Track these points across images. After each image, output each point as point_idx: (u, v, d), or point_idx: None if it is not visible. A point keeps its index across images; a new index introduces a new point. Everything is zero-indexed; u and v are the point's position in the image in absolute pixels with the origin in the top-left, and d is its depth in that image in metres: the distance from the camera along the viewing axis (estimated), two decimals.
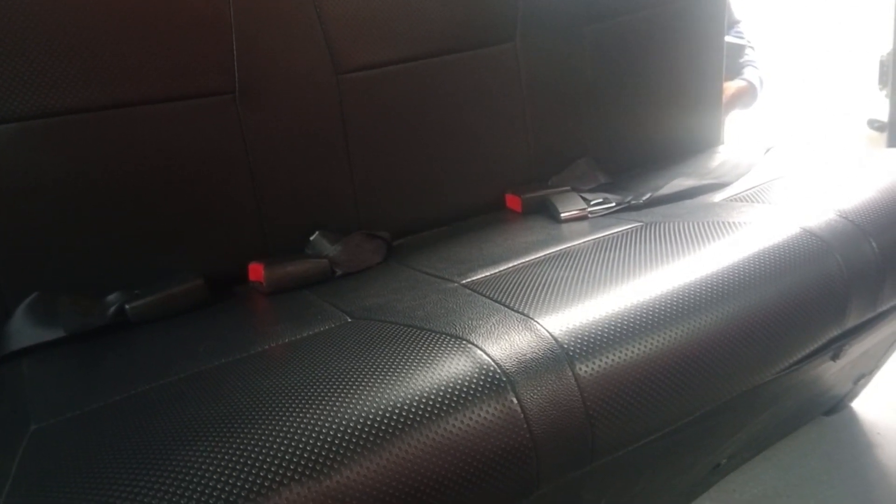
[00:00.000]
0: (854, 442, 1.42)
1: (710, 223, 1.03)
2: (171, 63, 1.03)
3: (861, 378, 1.40)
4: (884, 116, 2.31)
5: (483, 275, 0.98)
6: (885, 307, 1.01)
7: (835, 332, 0.95)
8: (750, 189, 1.22)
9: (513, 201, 1.34)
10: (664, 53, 1.51)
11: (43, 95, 0.96)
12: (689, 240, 0.98)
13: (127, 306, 0.97)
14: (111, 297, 1.00)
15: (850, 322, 0.97)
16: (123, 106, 1.01)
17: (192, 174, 1.07)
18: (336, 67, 1.16)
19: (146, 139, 1.03)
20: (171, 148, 1.05)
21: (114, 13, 0.99)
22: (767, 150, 1.47)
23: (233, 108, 1.08)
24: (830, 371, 1.14)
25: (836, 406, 1.48)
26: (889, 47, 2.23)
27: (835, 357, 1.00)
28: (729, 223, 1.02)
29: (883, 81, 2.24)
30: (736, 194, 1.21)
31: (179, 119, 1.05)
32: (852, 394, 1.48)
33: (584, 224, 1.19)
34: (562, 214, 1.23)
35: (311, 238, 1.17)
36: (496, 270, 0.99)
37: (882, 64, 2.21)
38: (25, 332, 0.94)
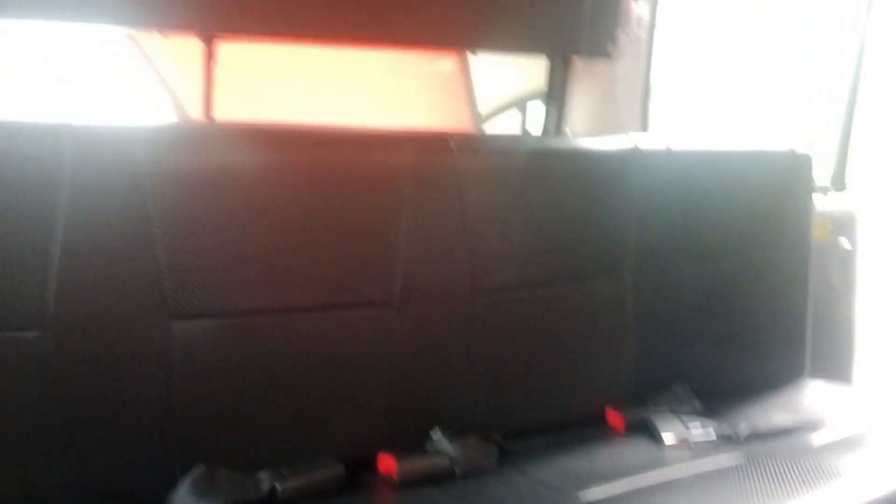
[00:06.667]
0: None
1: (815, 468, 1.11)
2: (343, 276, 1.22)
3: None
4: None
5: (598, 496, 1.06)
6: None
7: None
8: (848, 436, 1.30)
9: (614, 417, 1.44)
10: (754, 293, 1.66)
11: (238, 297, 1.14)
12: (797, 484, 1.05)
13: (278, 487, 1.09)
14: (262, 474, 1.12)
15: None
16: (299, 310, 1.19)
17: (343, 370, 1.22)
18: (473, 287, 1.33)
19: (311, 337, 1.19)
20: (330, 346, 1.21)
21: (300, 229, 1.19)
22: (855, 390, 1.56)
23: (388, 319, 1.25)
24: None
25: None
26: None
27: None
28: (833, 470, 1.10)
29: None
30: (835, 440, 1.29)
31: (342, 323, 1.21)
32: None
33: (687, 451, 1.28)
34: (665, 439, 1.32)
35: (433, 436, 1.27)
36: (612, 493, 1.08)
37: None
38: (188, 502, 1.05)
